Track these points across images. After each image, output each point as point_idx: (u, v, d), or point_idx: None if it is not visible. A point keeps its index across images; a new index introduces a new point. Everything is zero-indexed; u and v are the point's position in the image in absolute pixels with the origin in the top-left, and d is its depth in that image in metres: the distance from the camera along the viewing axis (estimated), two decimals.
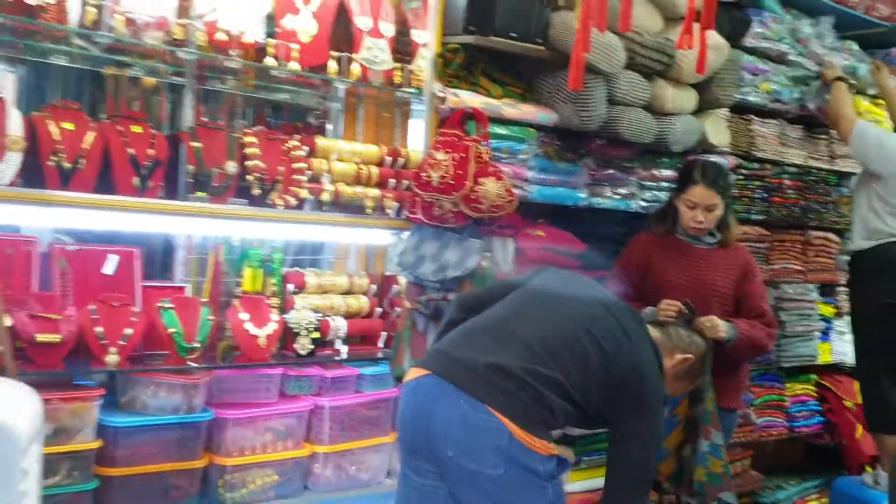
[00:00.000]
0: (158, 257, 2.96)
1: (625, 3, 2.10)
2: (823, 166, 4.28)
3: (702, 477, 2.69)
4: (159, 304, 2.60)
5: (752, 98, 3.88)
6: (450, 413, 2.04)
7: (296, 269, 3.07)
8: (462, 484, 2.04)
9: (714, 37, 3.37)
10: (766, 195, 3.99)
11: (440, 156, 2.75)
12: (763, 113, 4.01)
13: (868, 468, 4.02)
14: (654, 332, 2.34)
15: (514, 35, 2.99)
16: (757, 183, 3.95)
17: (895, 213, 3.72)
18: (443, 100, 2.90)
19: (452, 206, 2.77)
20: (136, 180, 2.57)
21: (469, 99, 2.93)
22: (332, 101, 3.21)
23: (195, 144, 2.70)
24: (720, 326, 2.79)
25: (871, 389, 3.80)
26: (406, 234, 2.99)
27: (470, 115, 2.90)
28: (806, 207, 4.18)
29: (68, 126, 2.50)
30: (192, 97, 2.85)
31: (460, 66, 3.00)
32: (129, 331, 2.51)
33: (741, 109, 3.90)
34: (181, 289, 2.81)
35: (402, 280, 3.15)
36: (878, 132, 3.88)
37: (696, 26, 2.64)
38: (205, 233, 2.84)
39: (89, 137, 2.51)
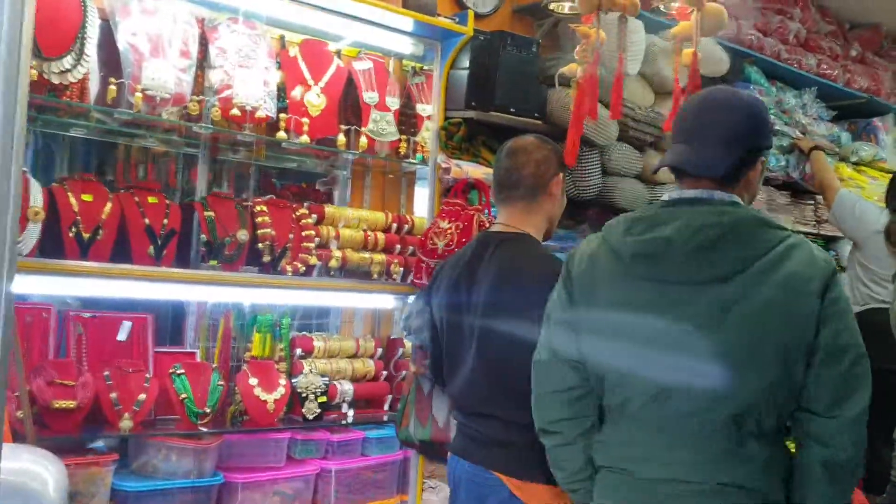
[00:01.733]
0: (170, 323, 3.02)
1: (616, 93, 2.22)
2: (810, 231, 4.42)
3: None
4: (171, 370, 2.67)
5: None
6: (461, 481, 2.18)
7: (303, 333, 3.14)
8: None
9: None
10: None
11: (445, 224, 2.86)
12: None
13: None
14: (530, 224, 2.22)
15: (512, 110, 3.14)
16: None
17: (875, 279, 3.81)
18: (447, 170, 3.02)
19: None
20: (151, 249, 2.66)
21: (471, 169, 3.05)
22: (340, 169, 3.32)
23: (208, 214, 2.79)
24: None
25: (868, 452, 3.86)
26: (411, 299, 3.08)
27: (472, 185, 3.02)
28: None
29: (87, 198, 2.58)
30: (205, 167, 2.96)
31: (462, 138, 3.13)
32: (142, 396, 2.56)
33: None
34: (192, 354, 2.88)
35: (408, 343, 3.23)
36: (854, 199, 3.93)
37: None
38: (217, 299, 2.92)
39: (107, 208, 2.60)
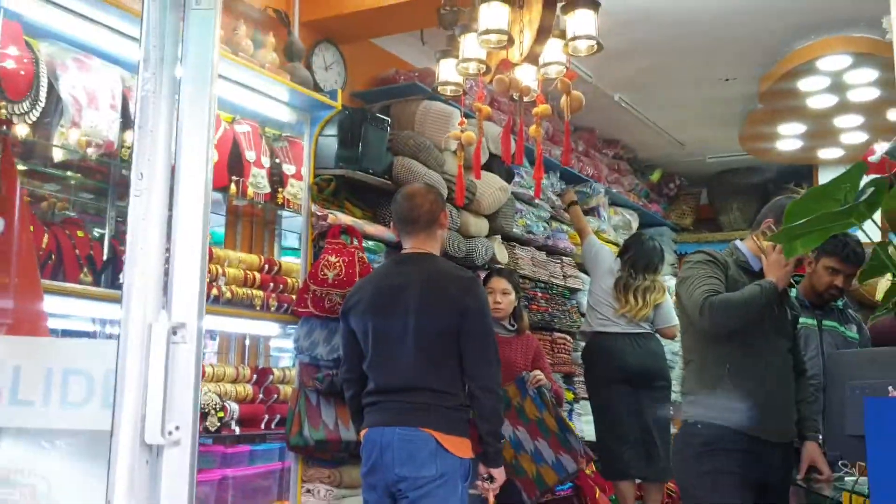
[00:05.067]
0: None
1: (459, 180, 3.06)
2: (559, 282, 5.58)
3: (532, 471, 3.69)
4: None
5: (515, 230, 5.08)
6: (392, 442, 2.76)
7: None
8: (409, 492, 2.71)
9: (500, 181, 4.52)
10: (527, 303, 5.14)
11: (333, 259, 3.47)
12: (521, 241, 5.23)
13: None
14: (430, 247, 2.97)
15: (371, 172, 3.86)
16: (521, 294, 5.09)
17: (599, 302, 5.01)
18: (324, 217, 3.64)
19: (341, 299, 3.47)
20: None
21: (344, 217, 3.70)
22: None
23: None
24: (543, 380, 3.81)
25: (603, 446, 4.98)
26: (292, 327, 3.61)
27: (344, 230, 3.66)
28: (552, 314, 5.40)
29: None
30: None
31: (332, 192, 3.77)
32: None
33: (507, 238, 5.07)
34: None
35: (276, 371, 3.72)
36: (595, 243, 5.33)
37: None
38: None
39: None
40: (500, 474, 2.94)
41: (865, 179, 2.23)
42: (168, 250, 1.83)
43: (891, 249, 2.30)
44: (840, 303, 3.60)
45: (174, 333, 1.74)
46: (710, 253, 3.05)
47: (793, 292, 3.53)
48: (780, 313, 2.93)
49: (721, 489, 2.80)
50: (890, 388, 2.27)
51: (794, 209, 2.20)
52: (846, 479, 2.89)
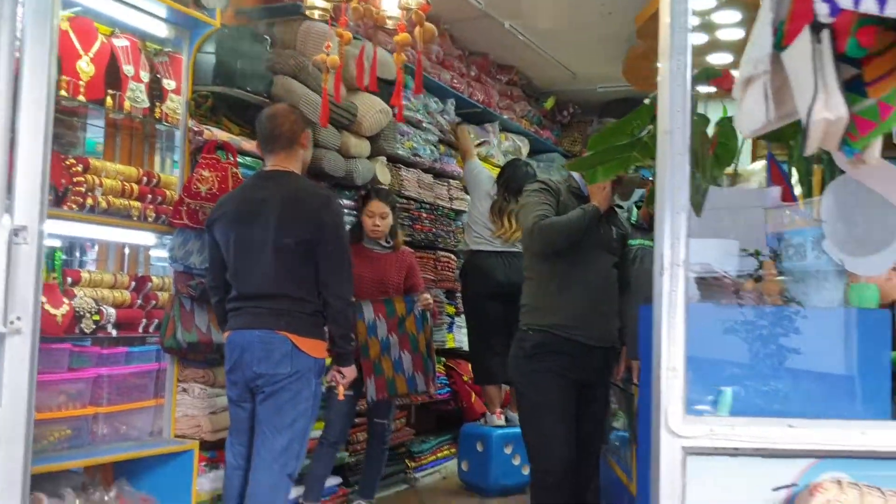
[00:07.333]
0: None
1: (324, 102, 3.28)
2: (445, 204, 5.86)
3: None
4: None
5: (400, 152, 5.30)
6: (251, 343, 3.02)
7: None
8: (266, 387, 2.99)
9: (381, 103, 4.71)
10: (410, 223, 5.41)
11: (206, 173, 3.64)
12: (407, 163, 5.46)
13: (482, 420, 5.55)
14: (291, 166, 3.25)
15: (248, 89, 4.00)
16: (405, 214, 5.35)
17: (475, 222, 5.36)
18: (200, 133, 3.79)
19: None
20: None
21: (220, 133, 3.85)
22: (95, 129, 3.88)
23: None
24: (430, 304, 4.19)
25: (474, 354, 5.39)
26: (170, 237, 3.79)
27: (220, 146, 3.82)
28: (436, 234, 5.69)
29: None
30: None
31: (209, 108, 3.91)
32: None
33: (393, 159, 5.29)
34: None
35: (155, 279, 3.90)
36: (477, 166, 5.65)
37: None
38: None
39: None
40: (350, 372, 3.24)
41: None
42: (11, 157, 2.02)
43: None
44: None
45: (16, 235, 1.94)
46: (545, 181, 3.36)
47: (633, 216, 3.88)
48: (605, 232, 3.26)
49: (545, 387, 3.16)
50: None
51: (594, 141, 2.49)
52: None
